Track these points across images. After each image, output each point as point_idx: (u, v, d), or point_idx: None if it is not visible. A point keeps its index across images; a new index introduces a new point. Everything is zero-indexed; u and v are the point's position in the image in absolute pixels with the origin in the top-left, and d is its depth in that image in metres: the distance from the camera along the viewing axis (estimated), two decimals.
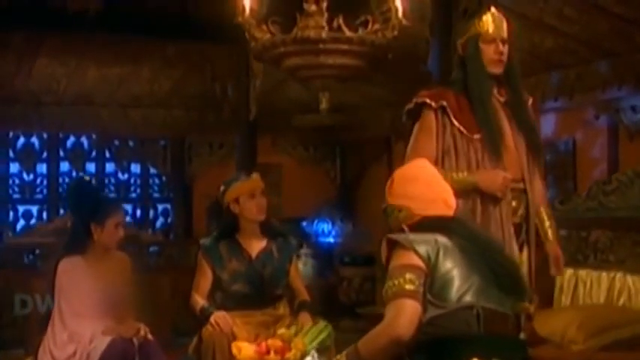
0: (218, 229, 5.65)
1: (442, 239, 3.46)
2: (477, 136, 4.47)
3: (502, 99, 4.60)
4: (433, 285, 3.38)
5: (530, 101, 4.74)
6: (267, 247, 5.52)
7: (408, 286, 3.34)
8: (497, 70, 4.54)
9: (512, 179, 4.47)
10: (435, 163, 4.32)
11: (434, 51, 6.76)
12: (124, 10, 8.59)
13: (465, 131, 4.48)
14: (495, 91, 4.59)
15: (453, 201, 3.66)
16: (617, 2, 6.82)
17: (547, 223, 4.69)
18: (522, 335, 3.56)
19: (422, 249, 3.40)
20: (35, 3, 8.27)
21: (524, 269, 4.43)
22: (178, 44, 9.35)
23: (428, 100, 4.58)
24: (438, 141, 4.51)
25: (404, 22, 4.69)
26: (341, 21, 4.65)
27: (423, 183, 3.66)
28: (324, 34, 4.55)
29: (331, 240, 10.80)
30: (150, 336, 5.24)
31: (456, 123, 4.49)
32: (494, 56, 4.51)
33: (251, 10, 4.59)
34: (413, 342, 3.32)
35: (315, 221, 10.95)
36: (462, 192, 4.30)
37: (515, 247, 4.49)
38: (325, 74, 4.77)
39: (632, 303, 6.09)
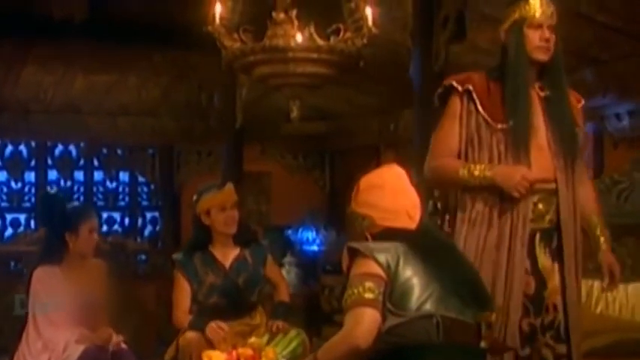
0: (190, 239, 5.62)
1: (402, 248, 3.44)
2: (500, 126, 4.10)
3: (542, 94, 4.20)
4: (393, 293, 3.36)
5: (581, 104, 4.37)
6: (240, 254, 5.45)
7: (368, 295, 3.33)
8: (542, 56, 4.14)
9: (539, 179, 4.07)
10: (459, 153, 4.17)
11: (415, 59, 6.77)
12: (110, 18, 8.62)
13: (489, 120, 4.13)
14: (537, 85, 4.20)
15: (417, 213, 3.61)
16: (601, 10, 6.84)
17: (597, 232, 4.32)
18: (483, 344, 3.53)
19: (382, 257, 3.39)
20: (21, 11, 8.28)
21: (556, 281, 4.14)
22: (165, 52, 9.38)
23: (454, 83, 4.22)
24: (461, 128, 4.20)
25: (374, 30, 4.68)
26: (312, 29, 4.66)
27: (388, 193, 3.61)
28: (293, 43, 4.54)
29: (315, 248, 10.80)
30: (124, 345, 5.22)
31: (481, 110, 4.15)
32: (539, 43, 4.12)
33: (221, 18, 4.59)
34: (372, 351, 3.31)
35: (300, 229, 10.95)
36: (482, 188, 4.09)
37: (542, 253, 4.15)
38: (295, 82, 4.76)
39: (609, 311, 6.09)
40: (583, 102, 4.40)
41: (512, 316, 4.01)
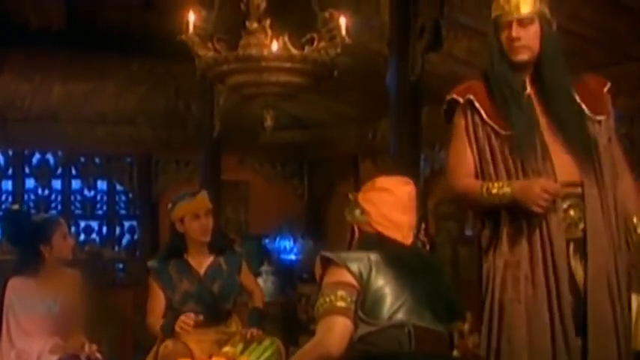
0: (165, 247, 5.62)
1: (375, 257, 3.46)
2: (505, 133, 3.73)
3: (539, 91, 3.79)
4: (365, 302, 3.38)
5: (607, 88, 3.84)
6: (214, 261, 5.45)
7: (340, 303, 3.35)
8: (519, 57, 3.73)
9: (564, 184, 3.67)
10: (476, 172, 3.80)
11: (392, 68, 6.78)
12: (87, 27, 8.61)
13: (496, 128, 3.74)
14: (528, 81, 3.78)
15: (410, 235, 3.61)
16: (574, 21, 6.86)
17: (633, 237, 3.77)
18: (455, 353, 3.55)
19: (354, 266, 3.41)
20: None
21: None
22: (143, 61, 9.36)
23: (455, 96, 3.83)
24: (471, 144, 3.82)
25: (347, 40, 4.69)
26: (286, 39, 4.67)
27: (395, 203, 3.61)
28: (266, 52, 4.55)
29: (293, 257, 10.79)
30: (98, 354, 5.20)
31: (486, 119, 3.76)
32: (510, 44, 3.70)
33: (195, 27, 4.59)
34: (344, 359, 3.32)
35: (277, 238, 10.94)
36: (507, 209, 3.70)
37: (578, 267, 3.71)
38: (269, 92, 4.76)
39: None
40: (609, 85, 3.87)
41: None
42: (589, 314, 3.64)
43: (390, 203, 3.61)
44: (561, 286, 3.62)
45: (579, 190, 3.70)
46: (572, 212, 3.71)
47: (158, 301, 5.36)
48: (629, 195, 3.81)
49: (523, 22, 3.74)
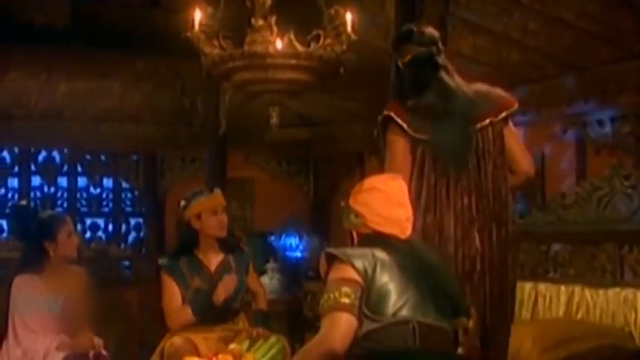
0: (177, 244, 5.63)
1: (380, 254, 3.45)
2: None
3: None
4: (369, 299, 3.37)
5: None
6: (224, 260, 5.50)
7: (344, 300, 3.33)
8: None
9: None
10: None
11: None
12: (91, 24, 8.60)
13: None
14: None
15: (408, 227, 3.62)
16: (581, 17, 6.86)
17: None
18: (460, 350, 3.53)
19: (359, 263, 3.40)
20: (2, 17, 8.25)
21: None
22: (148, 58, 9.35)
23: None
24: None
25: (353, 36, 4.68)
26: (292, 36, 4.65)
27: (387, 200, 3.61)
28: (271, 49, 4.54)
29: (298, 254, 10.79)
30: (104, 351, 5.22)
31: None
32: None
33: (200, 24, 4.58)
34: (348, 356, 3.31)
35: (283, 236, 10.93)
36: None
37: None
38: (274, 89, 4.75)
39: (589, 316, 6.11)
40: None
41: None
42: None
43: (383, 200, 3.61)
44: None
45: None
46: None
47: (174, 293, 5.39)
48: None
49: None
